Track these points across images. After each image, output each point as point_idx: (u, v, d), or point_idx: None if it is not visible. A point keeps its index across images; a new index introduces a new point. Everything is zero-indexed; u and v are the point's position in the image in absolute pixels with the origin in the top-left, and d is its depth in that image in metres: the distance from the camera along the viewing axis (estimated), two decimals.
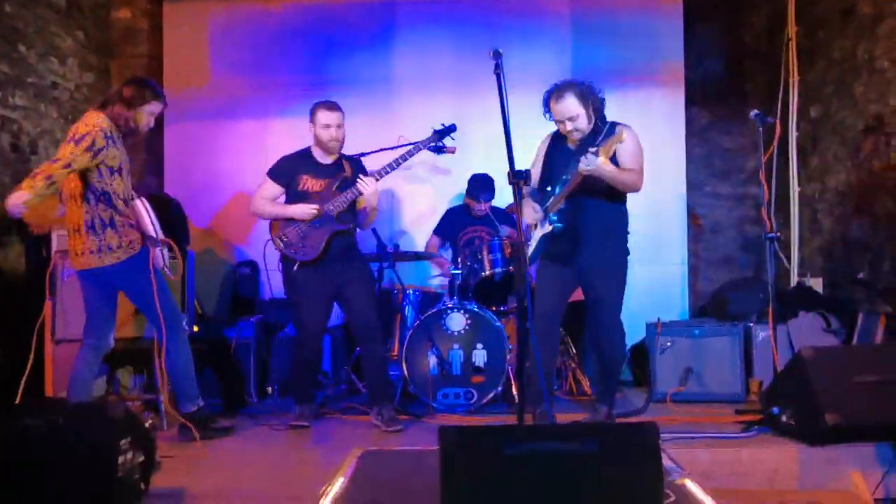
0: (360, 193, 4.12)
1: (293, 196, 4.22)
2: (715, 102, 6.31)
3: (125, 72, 6.24)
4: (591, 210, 3.82)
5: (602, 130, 3.77)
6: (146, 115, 3.79)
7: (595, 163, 3.47)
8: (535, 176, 4.01)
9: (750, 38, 6.33)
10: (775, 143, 4.48)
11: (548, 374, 3.83)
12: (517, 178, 3.10)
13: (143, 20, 6.24)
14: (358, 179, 4.11)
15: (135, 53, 6.26)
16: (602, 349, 4.01)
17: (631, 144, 3.72)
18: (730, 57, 6.33)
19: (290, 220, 4.14)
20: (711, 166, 6.34)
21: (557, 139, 4.00)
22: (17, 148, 4.99)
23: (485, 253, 4.85)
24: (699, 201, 6.26)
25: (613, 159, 3.65)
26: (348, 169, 4.22)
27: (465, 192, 5.42)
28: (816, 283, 5.48)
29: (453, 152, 5.06)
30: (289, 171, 4.25)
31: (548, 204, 3.83)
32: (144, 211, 3.75)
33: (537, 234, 3.87)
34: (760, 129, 4.45)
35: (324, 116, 4.17)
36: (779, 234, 4.41)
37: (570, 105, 3.74)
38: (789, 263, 5.76)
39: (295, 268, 4.13)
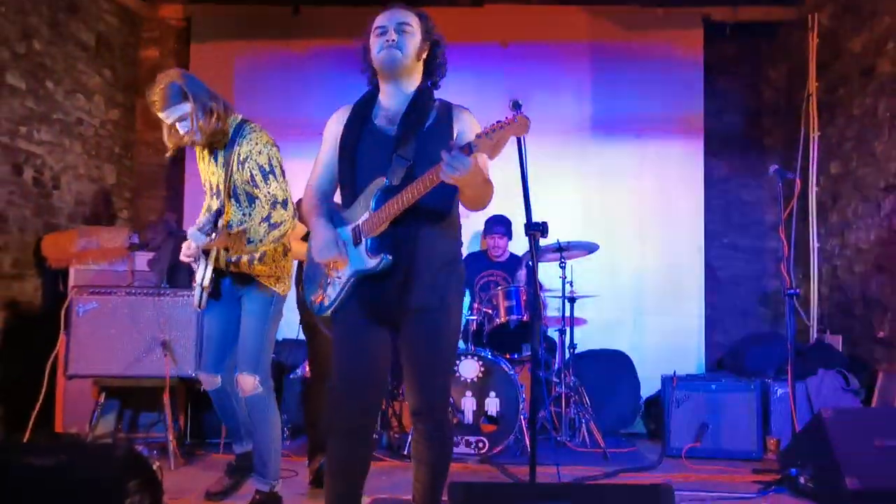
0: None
1: None
2: (734, 155, 6.32)
3: (151, 110, 6.33)
4: (420, 235, 2.52)
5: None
6: (165, 128, 3.41)
7: (468, 165, 2.29)
8: (322, 171, 2.79)
9: (769, 92, 6.36)
10: (795, 198, 4.45)
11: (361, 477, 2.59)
12: (533, 229, 2.90)
13: (170, 60, 6.35)
14: None
15: None
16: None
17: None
18: (749, 111, 6.36)
19: None
20: (729, 218, 6.33)
21: (360, 112, 2.70)
22: (38, 182, 5.05)
23: (501, 299, 4.82)
24: (717, 253, 6.23)
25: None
26: None
27: (481, 233, 5.48)
28: (836, 341, 5.42)
29: None
30: None
31: (360, 223, 2.56)
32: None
33: (344, 275, 2.57)
34: (780, 184, 4.44)
35: None
36: (798, 289, 4.36)
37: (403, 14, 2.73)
38: (808, 319, 5.70)
39: None
